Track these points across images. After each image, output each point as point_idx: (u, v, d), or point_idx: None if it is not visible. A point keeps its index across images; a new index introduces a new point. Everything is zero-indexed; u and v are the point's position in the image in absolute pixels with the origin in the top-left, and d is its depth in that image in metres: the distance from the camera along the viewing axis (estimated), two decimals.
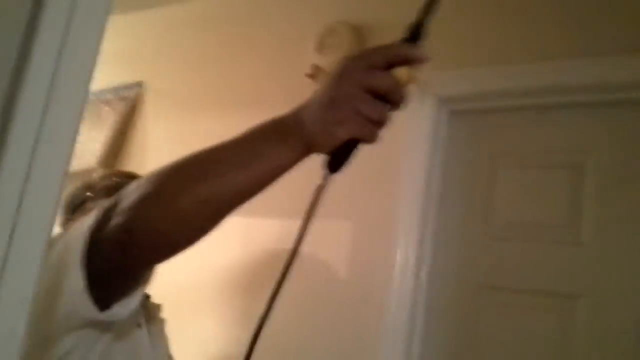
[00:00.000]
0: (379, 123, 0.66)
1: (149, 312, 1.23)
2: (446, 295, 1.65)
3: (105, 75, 2.20)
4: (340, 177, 1.91)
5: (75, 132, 0.57)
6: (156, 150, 2.25)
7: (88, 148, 2.18)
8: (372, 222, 1.72)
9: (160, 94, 2.33)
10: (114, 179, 1.26)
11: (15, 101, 0.50)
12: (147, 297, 1.27)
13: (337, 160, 0.68)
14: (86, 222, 0.74)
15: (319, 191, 0.68)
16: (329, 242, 1.76)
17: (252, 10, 2.20)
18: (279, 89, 2.03)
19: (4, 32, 0.50)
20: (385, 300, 1.63)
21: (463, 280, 1.64)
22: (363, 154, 1.89)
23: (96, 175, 1.37)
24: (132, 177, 1.32)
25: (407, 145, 1.70)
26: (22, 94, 0.51)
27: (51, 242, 0.68)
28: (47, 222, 0.53)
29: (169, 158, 2.37)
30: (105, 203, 0.75)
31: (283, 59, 2.06)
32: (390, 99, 0.65)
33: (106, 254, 0.72)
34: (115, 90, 2.33)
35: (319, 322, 1.74)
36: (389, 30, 1.85)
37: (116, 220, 0.70)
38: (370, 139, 0.67)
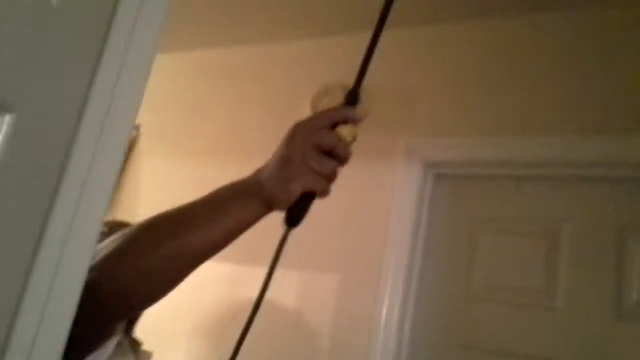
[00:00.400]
0: (329, 177, 0.75)
1: (134, 348, 1.28)
2: (428, 353, 1.70)
3: None
4: (330, 232, 1.98)
5: (115, 177, 0.63)
6: (148, 193, 2.29)
7: None
8: (358, 276, 1.77)
9: (156, 138, 2.39)
10: (106, 228, 1.31)
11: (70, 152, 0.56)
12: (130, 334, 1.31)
13: (294, 214, 0.75)
14: None
15: (281, 244, 0.75)
16: (316, 294, 1.81)
17: (252, 64, 2.30)
18: (272, 142, 2.10)
19: (68, 97, 0.56)
20: (369, 354, 1.67)
21: (444, 339, 1.70)
22: (354, 211, 1.96)
23: None
24: (124, 225, 1.37)
25: (394, 204, 1.78)
26: (75, 148, 0.56)
27: None
28: (84, 269, 0.58)
29: (161, 202, 2.40)
30: None
31: (278, 114, 2.14)
32: (336, 154, 0.74)
33: (79, 311, 0.73)
34: None
35: None
36: (379, 95, 1.98)
37: (90, 275, 0.70)
38: (323, 192, 0.76)
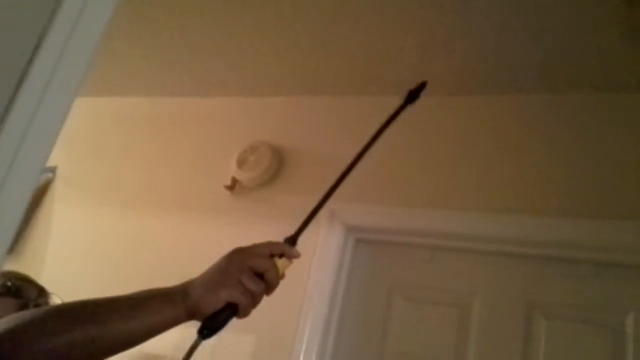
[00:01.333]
0: (254, 296, 0.81)
1: None
2: None
3: None
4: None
5: (22, 212, 0.59)
6: (58, 238, 2.17)
7: None
8: (273, 339, 1.74)
9: (71, 182, 2.29)
10: (8, 282, 1.29)
11: None
12: None
13: (212, 325, 0.79)
14: None
15: (190, 353, 0.78)
16: (230, 356, 1.75)
17: (180, 116, 2.28)
18: (196, 195, 2.08)
19: None
20: None
21: None
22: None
23: None
24: (28, 280, 1.34)
25: (314, 266, 1.78)
26: None
27: None
28: None
29: (71, 249, 2.30)
30: None
31: (203, 168, 2.13)
32: (266, 279, 0.82)
33: None
34: None
35: None
36: (305, 154, 2.01)
37: None
38: (245, 309, 0.81)
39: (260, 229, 1.94)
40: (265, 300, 1.89)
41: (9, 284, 1.29)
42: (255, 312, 1.78)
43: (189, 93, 2.28)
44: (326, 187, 1.95)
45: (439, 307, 1.72)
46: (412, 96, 1.04)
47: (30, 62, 0.58)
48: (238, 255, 0.84)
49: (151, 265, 1.99)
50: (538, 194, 1.69)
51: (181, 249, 1.99)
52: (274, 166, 2.01)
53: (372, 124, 2.06)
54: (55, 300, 1.36)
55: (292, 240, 0.92)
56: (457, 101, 1.90)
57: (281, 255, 0.87)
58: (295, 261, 1.97)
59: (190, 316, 0.79)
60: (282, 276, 0.86)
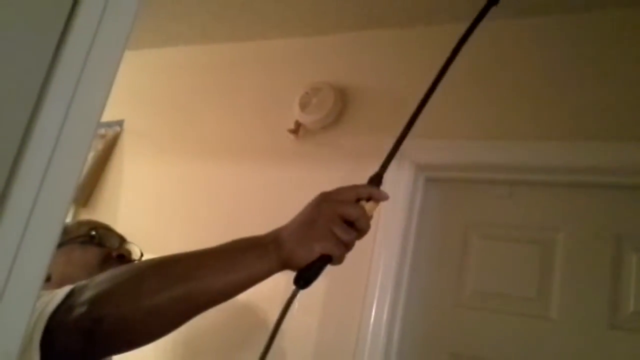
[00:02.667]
0: (347, 246, 0.80)
1: None
2: None
3: None
4: None
5: (82, 165, 0.57)
6: (129, 190, 2.22)
7: None
8: (345, 282, 1.72)
9: (139, 134, 2.32)
10: (92, 231, 1.29)
11: (29, 135, 0.51)
12: None
13: (308, 275, 0.79)
14: (50, 302, 0.74)
15: (289, 303, 0.79)
16: (302, 300, 1.74)
17: (240, 61, 2.25)
18: (260, 141, 2.06)
19: (27, 68, 0.51)
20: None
21: (432, 347, 1.64)
22: None
23: (71, 222, 1.38)
24: (107, 229, 1.34)
25: (383, 208, 1.72)
26: (36, 128, 0.51)
27: None
28: (47, 256, 0.53)
29: (142, 200, 2.34)
30: (66, 288, 0.76)
31: (266, 112, 2.10)
32: (358, 226, 0.81)
33: (67, 340, 0.71)
34: None
35: None
36: (369, 93, 1.93)
37: (83, 308, 0.71)
38: (339, 258, 0.80)
39: (326, 172, 1.90)
40: None
41: (93, 233, 1.29)
42: None
43: (247, 37, 2.23)
44: (393, 124, 1.89)
45: (519, 244, 1.63)
46: None
47: (72, 14, 0.54)
48: (327, 204, 0.81)
49: (220, 211, 2.00)
50: (624, 119, 1.54)
51: (248, 195, 1.98)
52: (337, 107, 1.94)
53: (438, 54, 1.95)
54: (134, 249, 1.37)
55: (377, 179, 0.88)
56: (530, 23, 1.75)
57: (368, 199, 0.84)
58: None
59: (283, 267, 0.79)
60: (371, 217, 0.84)
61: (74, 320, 0.71)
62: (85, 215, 2.19)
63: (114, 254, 1.27)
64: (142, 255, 1.37)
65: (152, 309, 0.72)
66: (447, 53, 1.87)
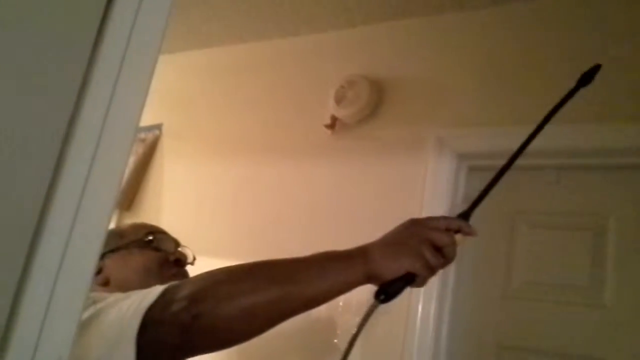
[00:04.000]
0: (432, 270, 0.83)
1: None
2: (466, 353, 1.61)
3: None
4: (361, 231, 1.91)
5: (122, 171, 0.57)
6: (171, 193, 2.25)
7: None
8: None
9: (178, 137, 2.34)
10: (149, 235, 1.28)
11: (69, 139, 0.50)
12: None
13: (389, 290, 0.81)
14: (145, 298, 0.77)
15: (367, 316, 0.82)
16: (348, 295, 1.73)
17: (273, 59, 2.25)
18: (297, 137, 2.05)
19: (63, 76, 0.51)
20: (404, 354, 1.58)
21: (482, 339, 1.61)
22: (384, 208, 1.90)
23: (126, 225, 1.39)
24: (163, 232, 1.35)
25: (426, 199, 1.69)
26: (76, 134, 0.51)
27: (102, 308, 0.77)
28: (93, 261, 0.52)
29: (183, 202, 2.36)
30: (160, 287, 0.79)
31: (302, 108, 2.09)
32: (445, 253, 0.84)
33: (163, 334, 0.75)
34: None
35: None
36: (405, 87, 1.90)
37: (182, 304, 0.74)
38: (423, 280, 0.83)
39: (364, 166, 1.88)
40: (379, 236, 1.85)
41: (150, 237, 1.28)
42: None
43: (280, 34, 2.22)
44: (431, 113, 1.86)
45: (569, 232, 1.57)
46: (586, 79, 0.99)
47: (105, 18, 0.54)
48: (418, 228, 0.85)
49: (260, 209, 2.00)
50: None
51: (287, 193, 1.98)
52: (373, 99, 1.92)
53: (469, 39, 1.91)
54: (188, 252, 1.36)
55: (465, 215, 0.91)
56: (578, 2, 1.68)
57: (457, 231, 0.87)
58: (405, 196, 1.91)
59: (367, 280, 0.82)
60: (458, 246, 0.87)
61: (172, 314, 0.74)
62: (129, 220, 2.22)
63: (171, 258, 1.27)
64: (194, 259, 1.37)
65: (248, 309, 0.75)
66: (478, 38, 1.83)
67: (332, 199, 1.89)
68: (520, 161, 1.65)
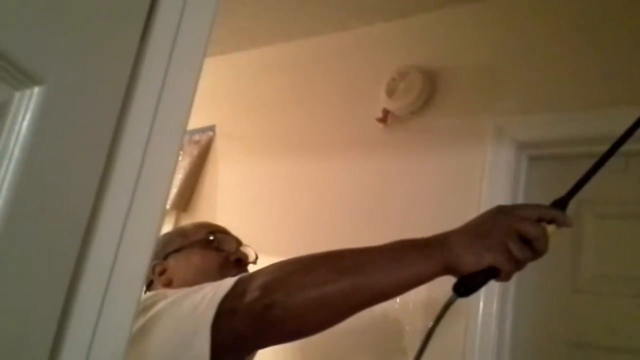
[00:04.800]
0: (519, 264, 0.77)
1: None
2: (531, 351, 1.54)
3: None
4: (418, 223, 1.87)
5: (173, 170, 0.56)
6: (226, 193, 2.27)
7: None
8: None
9: (231, 137, 2.36)
10: (210, 235, 1.29)
11: (118, 142, 0.50)
12: None
13: (469, 284, 0.76)
14: (219, 289, 0.77)
15: (446, 308, 0.77)
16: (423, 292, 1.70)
17: (322, 55, 2.23)
18: (350, 132, 2.02)
19: (106, 97, 0.50)
20: (466, 352, 1.54)
21: (548, 336, 1.54)
22: (442, 200, 1.85)
23: (190, 224, 1.41)
24: (224, 232, 1.35)
25: (485, 190, 1.64)
26: (125, 137, 0.51)
27: (174, 300, 0.78)
28: (147, 254, 0.52)
29: (239, 201, 2.37)
30: (232, 278, 0.79)
31: (353, 103, 2.06)
32: (535, 246, 0.76)
33: (237, 324, 0.75)
34: (189, 133, 2.39)
35: None
36: (459, 76, 1.84)
37: (255, 294, 0.74)
38: (507, 275, 0.76)
39: (419, 159, 1.83)
40: (437, 230, 1.80)
41: (212, 237, 1.29)
42: None
43: (328, 30, 2.20)
44: (486, 102, 1.79)
45: (638, 221, 1.48)
46: None
47: (150, 21, 0.53)
48: (504, 217, 0.78)
49: (315, 207, 1.99)
50: None
51: (342, 189, 1.96)
52: (426, 90, 1.87)
53: (520, 24, 1.82)
54: (250, 252, 1.36)
55: (562, 203, 0.84)
56: None
57: (550, 222, 0.80)
58: (463, 189, 1.85)
59: (446, 271, 0.77)
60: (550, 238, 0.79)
61: (245, 304, 0.74)
62: (186, 220, 2.26)
63: (232, 258, 1.27)
64: (257, 257, 1.37)
65: (320, 300, 0.74)
66: (535, 22, 1.75)
67: (387, 193, 1.86)
68: (584, 148, 1.58)
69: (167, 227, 2.24)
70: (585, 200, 1.57)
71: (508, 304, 1.57)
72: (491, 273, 0.75)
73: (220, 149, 2.37)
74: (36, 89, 0.38)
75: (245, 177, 2.24)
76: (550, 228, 0.78)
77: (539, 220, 0.78)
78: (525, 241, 0.76)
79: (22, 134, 0.37)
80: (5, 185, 0.37)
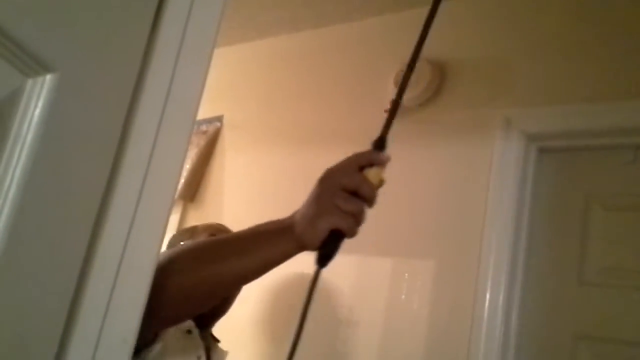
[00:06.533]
0: (355, 217, 0.78)
1: (209, 345, 1.35)
2: (537, 343, 1.54)
3: None
4: (424, 216, 1.87)
5: (182, 160, 0.56)
6: (233, 183, 2.27)
7: None
8: (456, 262, 1.64)
9: (238, 128, 2.36)
10: (212, 236, 1.34)
11: (128, 131, 0.50)
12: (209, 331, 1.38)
13: (324, 253, 0.78)
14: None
15: (313, 284, 0.77)
16: (411, 282, 1.70)
17: (331, 46, 2.22)
18: (357, 124, 2.01)
19: (118, 85, 0.50)
20: (472, 347, 1.53)
21: (556, 329, 1.53)
22: (448, 192, 1.85)
23: (201, 225, 1.48)
24: (226, 232, 1.40)
25: (492, 183, 1.63)
26: (135, 127, 0.51)
27: None
28: (156, 243, 0.53)
29: (245, 192, 2.37)
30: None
31: (361, 94, 2.05)
32: (362, 195, 0.78)
33: None
34: (197, 124, 2.39)
35: None
36: (467, 67, 1.83)
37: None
38: (350, 231, 0.78)
39: (427, 151, 1.83)
40: (443, 224, 1.80)
41: (214, 233, 1.34)
42: (435, 236, 1.71)
43: (335, 21, 2.19)
44: (495, 94, 1.79)
45: None
46: None
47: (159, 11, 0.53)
48: (328, 180, 0.81)
49: None
50: None
51: None
52: (435, 81, 1.86)
53: (537, 16, 1.81)
54: None
55: (379, 143, 0.85)
56: None
57: (372, 164, 0.81)
58: (471, 181, 1.84)
59: (300, 249, 0.80)
60: (380, 184, 0.80)
61: None
62: (194, 211, 2.26)
63: None
64: None
65: (180, 289, 0.78)
66: (544, 13, 1.74)
67: (395, 186, 1.85)
68: (593, 141, 1.57)
69: (174, 218, 2.25)
70: (593, 192, 1.57)
71: (515, 296, 1.57)
72: (336, 236, 0.77)
73: (227, 139, 2.37)
74: (48, 77, 0.38)
75: (252, 168, 2.24)
76: (373, 172, 0.79)
77: (362, 167, 0.80)
78: (353, 193, 0.78)
79: (34, 121, 0.38)
80: (18, 172, 0.37)
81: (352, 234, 0.79)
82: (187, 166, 2.29)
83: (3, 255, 0.37)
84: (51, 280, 0.41)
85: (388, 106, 1.96)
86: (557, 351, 1.52)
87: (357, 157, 0.82)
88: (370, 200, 0.79)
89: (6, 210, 0.36)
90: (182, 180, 2.26)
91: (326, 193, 0.79)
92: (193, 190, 2.29)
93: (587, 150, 1.60)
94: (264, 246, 0.81)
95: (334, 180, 0.79)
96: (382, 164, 0.81)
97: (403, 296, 1.70)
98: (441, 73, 1.87)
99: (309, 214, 0.79)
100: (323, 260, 0.78)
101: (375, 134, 2.07)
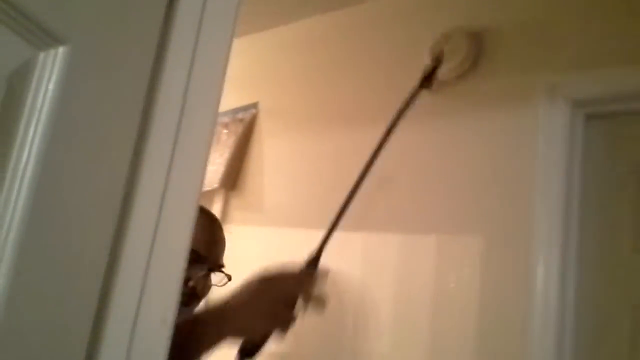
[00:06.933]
0: (290, 323, 0.88)
1: None
2: (596, 319, 1.48)
3: (223, 99, 2.25)
4: (468, 191, 1.81)
5: (207, 152, 0.54)
6: (272, 169, 2.26)
7: (209, 170, 2.23)
8: (506, 237, 1.59)
9: (274, 113, 2.35)
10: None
11: (149, 125, 0.48)
12: None
13: (251, 351, 0.88)
14: None
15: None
16: (458, 259, 1.65)
17: (365, 23, 2.18)
18: (393, 102, 1.97)
19: (135, 61, 0.48)
20: (527, 324, 1.49)
21: (613, 301, 1.47)
22: (493, 165, 1.78)
23: None
24: (198, 254, 1.41)
25: (539, 152, 1.57)
26: (155, 121, 0.49)
27: None
28: (184, 238, 0.51)
29: (285, 177, 2.36)
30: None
31: (398, 70, 2.00)
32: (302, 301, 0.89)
33: None
34: (233, 112, 2.39)
35: (451, 353, 1.62)
36: (506, 34, 1.75)
37: None
38: (283, 335, 0.88)
39: (468, 124, 1.77)
40: (490, 197, 1.74)
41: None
42: (481, 210, 1.65)
43: None
44: (537, 59, 1.71)
45: None
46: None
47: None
48: (269, 283, 0.88)
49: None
50: None
51: (388, 159, 1.91)
52: (472, 52, 1.79)
53: None
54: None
55: (314, 262, 0.95)
56: None
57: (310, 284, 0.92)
58: (516, 152, 1.77)
59: (230, 340, 0.86)
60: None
61: None
62: (234, 199, 2.27)
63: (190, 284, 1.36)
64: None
65: None
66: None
67: (437, 162, 1.81)
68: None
69: (217, 207, 2.26)
70: None
71: (570, 268, 1.51)
72: (269, 337, 0.88)
73: (264, 125, 2.36)
74: (60, 49, 0.37)
75: (291, 153, 2.22)
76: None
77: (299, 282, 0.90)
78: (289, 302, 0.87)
79: (49, 95, 0.36)
80: (35, 149, 0.36)
81: (284, 338, 0.89)
82: (226, 155, 2.29)
83: (26, 239, 0.36)
84: (81, 260, 0.40)
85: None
86: (617, 323, 1.46)
87: (299, 275, 0.92)
88: (307, 305, 0.89)
89: (24, 191, 0.35)
90: (223, 169, 2.26)
91: (267, 296, 0.87)
92: (233, 179, 2.29)
93: (637, 114, 1.52)
94: (203, 345, 0.85)
95: (277, 287, 0.88)
96: (316, 283, 0.91)
97: (451, 273, 1.65)
98: (479, 42, 1.81)
99: (245, 314, 0.86)
100: (251, 354, 0.88)
101: (413, 110, 2.02)
